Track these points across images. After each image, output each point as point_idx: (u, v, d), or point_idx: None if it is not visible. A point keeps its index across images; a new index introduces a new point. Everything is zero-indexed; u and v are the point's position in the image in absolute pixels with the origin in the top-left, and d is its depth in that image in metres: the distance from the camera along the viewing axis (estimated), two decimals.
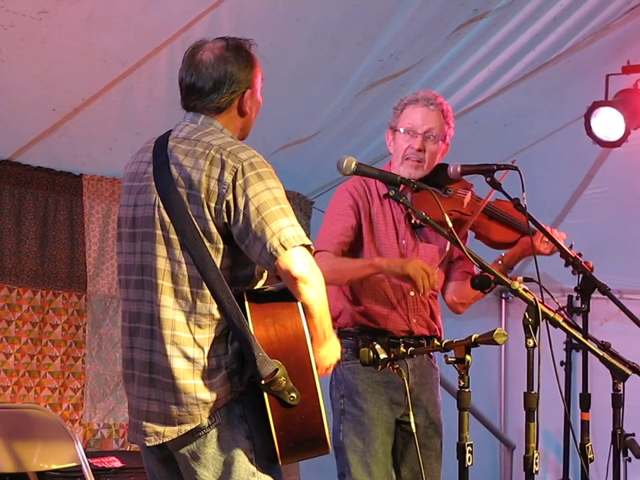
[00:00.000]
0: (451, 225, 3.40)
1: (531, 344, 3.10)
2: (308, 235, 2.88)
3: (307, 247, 2.83)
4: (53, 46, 4.36)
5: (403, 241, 4.05)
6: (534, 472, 3.11)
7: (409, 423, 3.47)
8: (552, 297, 3.51)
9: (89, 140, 5.20)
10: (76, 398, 5.52)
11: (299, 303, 2.86)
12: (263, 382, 2.79)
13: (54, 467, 4.52)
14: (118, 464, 5.09)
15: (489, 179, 3.76)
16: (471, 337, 3.12)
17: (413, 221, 4.03)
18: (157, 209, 2.92)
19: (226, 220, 2.86)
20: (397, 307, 4.01)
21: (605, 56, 5.69)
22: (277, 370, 2.79)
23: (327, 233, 3.99)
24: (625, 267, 6.49)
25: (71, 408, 5.49)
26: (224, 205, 2.85)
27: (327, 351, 2.98)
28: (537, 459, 3.11)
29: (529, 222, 3.81)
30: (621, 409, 3.86)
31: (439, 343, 3.25)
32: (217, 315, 2.87)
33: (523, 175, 3.58)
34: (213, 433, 2.89)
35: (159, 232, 2.92)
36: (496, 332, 3.08)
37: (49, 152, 5.23)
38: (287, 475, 3.85)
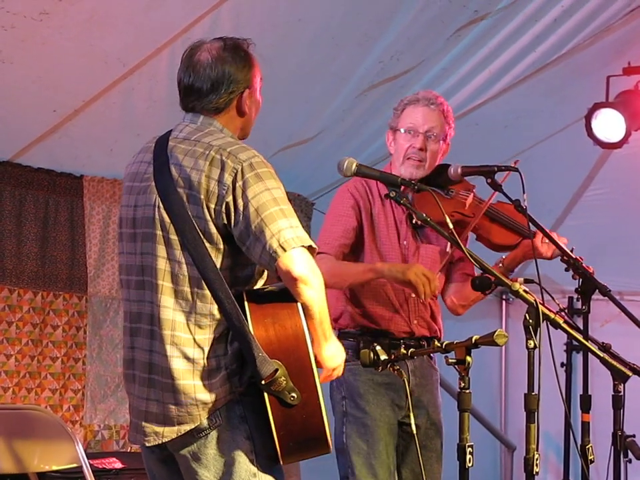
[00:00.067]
0: (451, 226, 3.39)
1: (532, 345, 3.10)
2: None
3: (308, 247, 2.83)
4: (54, 47, 4.37)
5: (404, 242, 4.05)
6: (534, 473, 3.10)
7: (410, 425, 3.47)
8: (552, 298, 3.51)
9: (89, 141, 5.20)
10: (76, 399, 5.52)
11: (299, 304, 2.86)
12: (263, 382, 2.79)
13: (54, 467, 4.52)
14: (118, 465, 5.09)
15: (489, 181, 3.76)
16: (472, 338, 3.11)
17: (414, 221, 4.03)
18: (157, 209, 2.92)
19: (225, 221, 2.86)
20: (399, 308, 4.00)
21: (605, 57, 5.70)
22: (276, 370, 2.79)
23: (328, 234, 3.98)
24: (626, 268, 6.49)
25: (72, 409, 5.49)
26: (224, 207, 2.85)
27: (332, 351, 2.98)
28: (537, 460, 3.10)
29: (530, 223, 3.81)
30: (622, 410, 3.86)
31: (439, 344, 3.25)
32: (217, 315, 2.87)
33: (523, 176, 3.59)
34: (214, 434, 2.89)
35: (159, 232, 2.92)
36: (496, 333, 3.07)
37: (49, 153, 5.23)
38: (288, 476, 3.84)
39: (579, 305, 4.85)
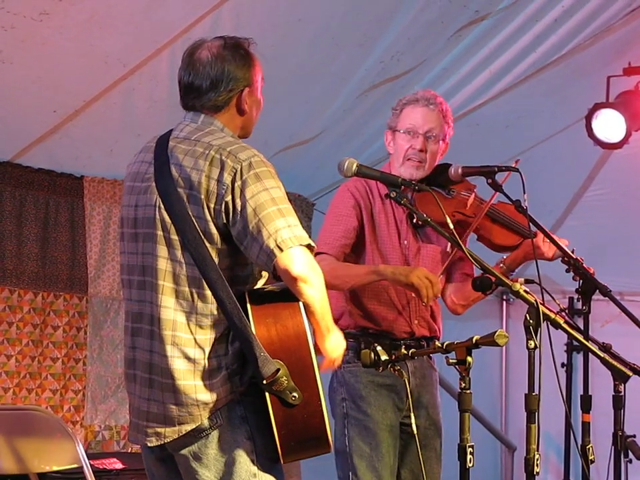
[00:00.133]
0: (452, 226, 3.39)
1: (532, 345, 3.09)
2: (309, 238, 2.88)
3: (307, 245, 2.83)
4: (54, 47, 4.36)
5: (405, 242, 4.05)
6: (535, 473, 3.10)
7: (410, 425, 3.46)
8: (553, 298, 3.51)
9: (89, 141, 5.20)
10: (77, 400, 5.52)
11: (300, 303, 2.86)
12: (264, 382, 2.79)
13: (55, 468, 4.52)
14: (119, 465, 5.09)
15: (490, 181, 3.76)
16: (472, 338, 3.11)
17: (414, 221, 4.03)
18: (157, 209, 2.93)
19: (225, 221, 2.86)
20: (400, 309, 4.00)
21: (606, 57, 5.69)
22: (278, 370, 2.79)
23: (329, 234, 3.97)
24: (626, 268, 6.49)
25: (72, 410, 5.49)
26: (223, 206, 2.85)
27: (334, 343, 2.99)
28: (537, 460, 3.10)
29: (530, 224, 3.81)
30: (622, 411, 3.86)
31: (439, 345, 3.25)
32: (218, 315, 2.87)
33: (524, 177, 3.58)
34: (215, 434, 2.90)
35: (159, 233, 2.92)
36: (497, 333, 3.07)
37: (49, 154, 5.23)
38: (289, 476, 3.85)
39: (579, 305, 4.83)
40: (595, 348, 3.49)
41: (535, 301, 3.16)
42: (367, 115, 5.54)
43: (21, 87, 4.60)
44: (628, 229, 6.48)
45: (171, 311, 2.89)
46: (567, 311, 3.86)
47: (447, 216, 3.39)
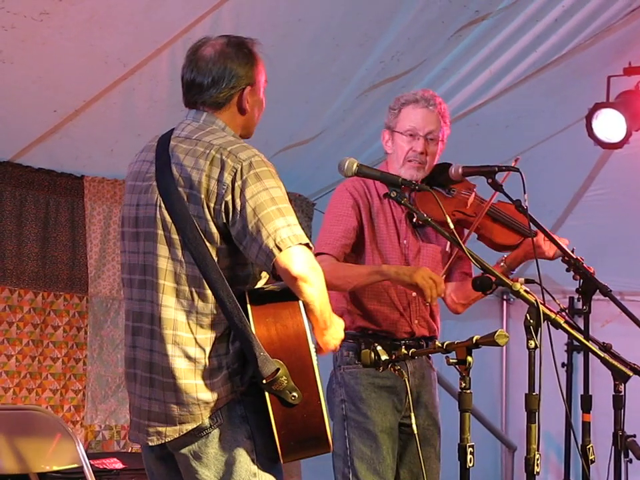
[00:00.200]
0: (452, 225, 3.39)
1: (532, 345, 3.09)
2: (309, 237, 2.88)
3: (306, 244, 2.83)
4: (54, 47, 4.37)
5: (404, 241, 4.04)
6: (535, 473, 3.10)
7: (410, 425, 3.46)
8: (553, 298, 3.51)
9: (90, 141, 5.20)
10: (77, 399, 5.52)
11: (300, 302, 2.86)
12: (264, 381, 2.79)
13: (55, 468, 4.52)
14: (119, 465, 5.09)
15: (490, 181, 3.76)
16: (472, 338, 3.11)
17: (414, 220, 4.02)
18: (158, 209, 2.93)
19: (225, 220, 2.86)
20: (401, 309, 4.00)
21: (606, 57, 5.69)
22: (278, 369, 2.79)
23: (329, 235, 3.96)
24: (626, 268, 6.50)
25: (72, 409, 5.49)
26: (223, 206, 2.85)
27: (329, 337, 2.98)
28: (538, 460, 3.10)
29: (531, 223, 3.81)
30: (622, 410, 3.85)
31: (440, 344, 3.24)
32: (219, 314, 2.87)
33: (524, 176, 3.58)
34: (215, 433, 2.90)
35: (160, 232, 2.92)
36: (497, 333, 3.07)
37: (50, 153, 5.23)
38: (289, 476, 3.85)
39: (579, 305, 4.84)
40: (595, 348, 3.49)
41: (535, 300, 3.16)
42: (367, 115, 5.54)
43: (21, 86, 4.60)
44: (628, 229, 6.48)
45: (171, 310, 2.89)
46: (567, 311, 3.85)
47: (447, 215, 3.39)
